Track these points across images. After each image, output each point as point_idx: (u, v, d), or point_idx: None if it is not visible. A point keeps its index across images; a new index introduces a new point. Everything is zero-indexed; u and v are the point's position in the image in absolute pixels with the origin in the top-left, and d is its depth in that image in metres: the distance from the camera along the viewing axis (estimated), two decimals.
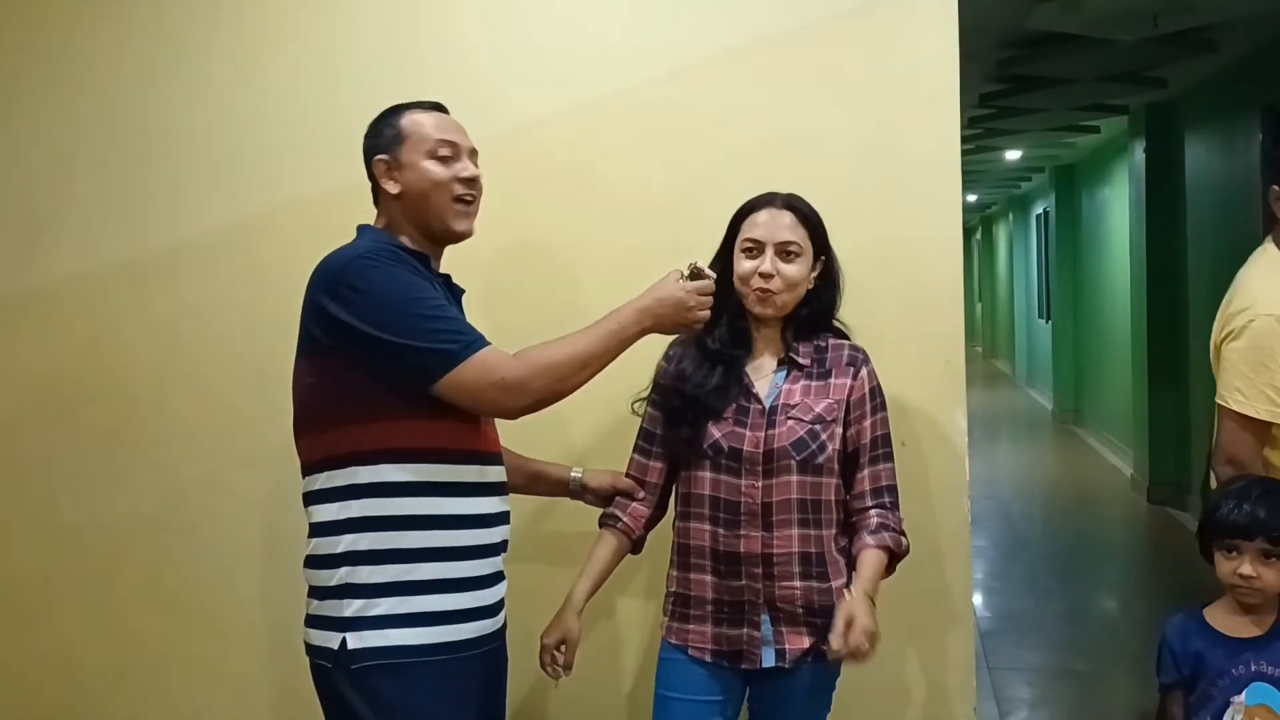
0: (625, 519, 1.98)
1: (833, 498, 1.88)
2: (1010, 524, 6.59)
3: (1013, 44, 5.05)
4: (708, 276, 1.84)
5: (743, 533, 1.85)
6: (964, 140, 3.96)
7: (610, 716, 2.42)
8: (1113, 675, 4.12)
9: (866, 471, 1.90)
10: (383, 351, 1.63)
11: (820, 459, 1.86)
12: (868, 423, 1.91)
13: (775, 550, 1.83)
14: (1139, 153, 6.95)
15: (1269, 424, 2.00)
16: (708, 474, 1.88)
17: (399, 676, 1.66)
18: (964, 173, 2.39)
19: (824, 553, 1.86)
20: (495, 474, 1.80)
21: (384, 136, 1.80)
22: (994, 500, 7.04)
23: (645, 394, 2.01)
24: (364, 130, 1.85)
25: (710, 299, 1.84)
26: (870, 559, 1.86)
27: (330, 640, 1.67)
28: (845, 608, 1.75)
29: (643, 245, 2.20)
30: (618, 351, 1.78)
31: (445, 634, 1.69)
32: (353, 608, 1.67)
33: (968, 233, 19.78)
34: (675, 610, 1.93)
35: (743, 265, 1.90)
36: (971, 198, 14.13)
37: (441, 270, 1.85)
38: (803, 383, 1.91)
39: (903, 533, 1.90)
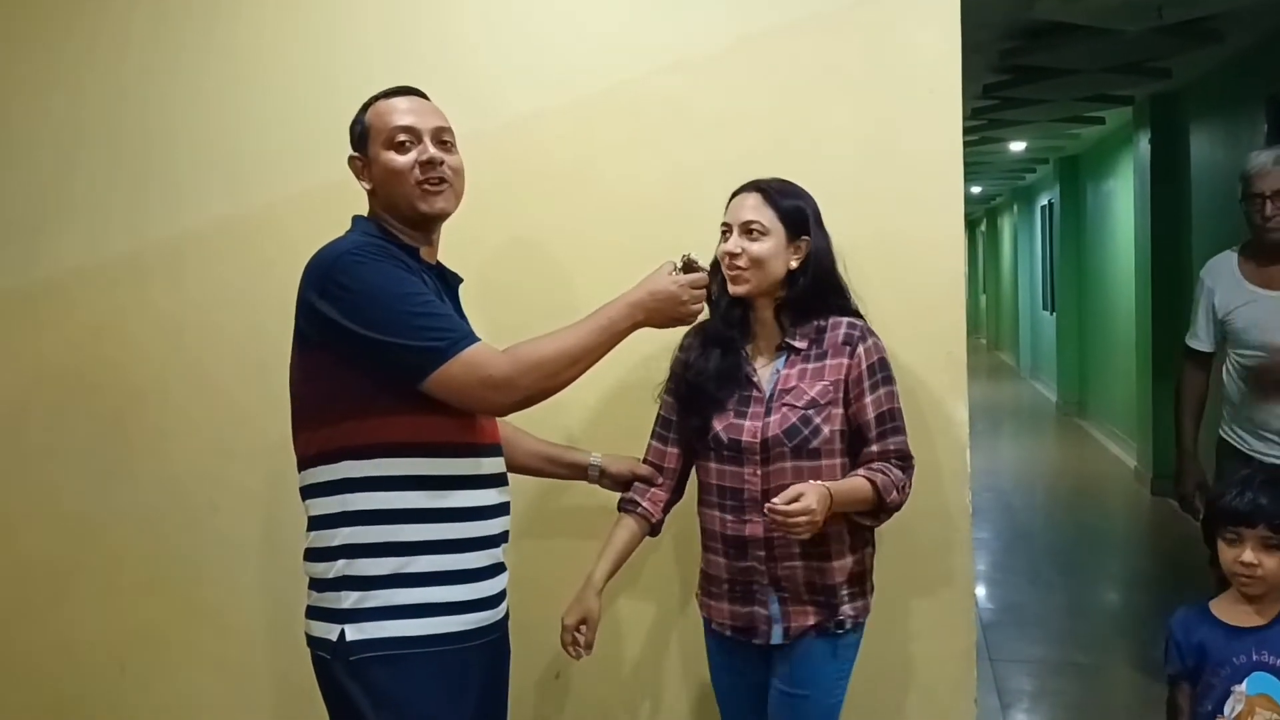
0: (645, 504, 2.04)
1: (836, 479, 1.88)
2: (1013, 516, 6.58)
3: (1016, 34, 5.02)
4: (701, 269, 1.84)
5: (747, 518, 1.90)
6: (968, 131, 3.93)
7: (610, 707, 2.43)
8: (1114, 668, 4.11)
9: (875, 446, 1.91)
10: (371, 349, 1.63)
11: (815, 443, 1.88)
12: (869, 399, 1.90)
13: (777, 534, 1.84)
14: (1144, 144, 6.92)
15: None
16: (713, 464, 1.95)
17: (397, 667, 1.66)
18: (968, 164, 2.38)
19: (825, 533, 1.86)
20: (491, 466, 1.79)
21: (354, 134, 1.81)
22: (996, 492, 7.03)
23: (666, 382, 2.06)
24: None
25: (703, 292, 1.84)
26: (853, 480, 1.87)
27: (329, 632, 1.68)
28: (801, 486, 1.76)
29: (640, 241, 2.20)
30: (609, 346, 1.77)
31: (443, 625, 1.69)
32: (350, 599, 1.67)
33: (972, 224, 19.73)
34: (703, 587, 2.03)
35: (719, 248, 1.95)
36: (976, 189, 14.07)
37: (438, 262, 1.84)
38: (799, 367, 1.92)
39: (899, 489, 1.88)
